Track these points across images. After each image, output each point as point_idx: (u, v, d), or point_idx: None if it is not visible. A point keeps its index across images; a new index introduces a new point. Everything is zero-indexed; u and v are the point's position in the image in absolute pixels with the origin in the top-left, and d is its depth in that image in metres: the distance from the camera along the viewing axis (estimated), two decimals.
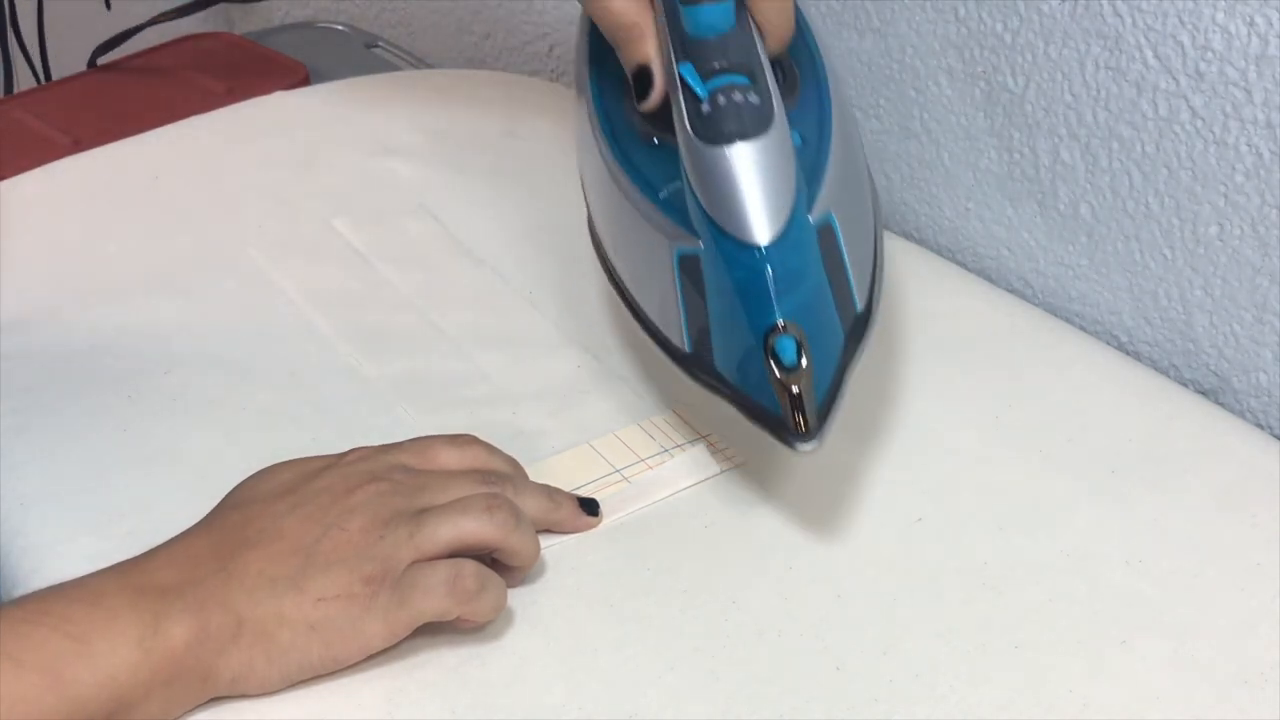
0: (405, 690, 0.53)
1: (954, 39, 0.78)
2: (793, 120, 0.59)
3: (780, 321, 0.53)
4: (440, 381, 0.70)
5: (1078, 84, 0.73)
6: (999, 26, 0.75)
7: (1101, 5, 0.70)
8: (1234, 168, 0.67)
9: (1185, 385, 0.73)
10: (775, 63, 0.60)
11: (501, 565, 0.56)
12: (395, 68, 1.13)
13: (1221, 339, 0.71)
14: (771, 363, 0.53)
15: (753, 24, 0.58)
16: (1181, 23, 0.67)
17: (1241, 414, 0.72)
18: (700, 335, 0.56)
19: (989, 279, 0.80)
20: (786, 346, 0.53)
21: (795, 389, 0.53)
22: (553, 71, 1.09)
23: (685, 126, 0.54)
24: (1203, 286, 0.71)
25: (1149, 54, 0.69)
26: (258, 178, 0.87)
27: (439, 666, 0.54)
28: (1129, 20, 0.69)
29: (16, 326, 0.73)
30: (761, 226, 0.53)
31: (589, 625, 0.56)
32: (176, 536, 0.54)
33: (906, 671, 0.54)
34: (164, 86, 1.07)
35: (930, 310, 0.75)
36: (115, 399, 0.68)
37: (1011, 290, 0.80)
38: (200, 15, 1.36)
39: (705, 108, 0.54)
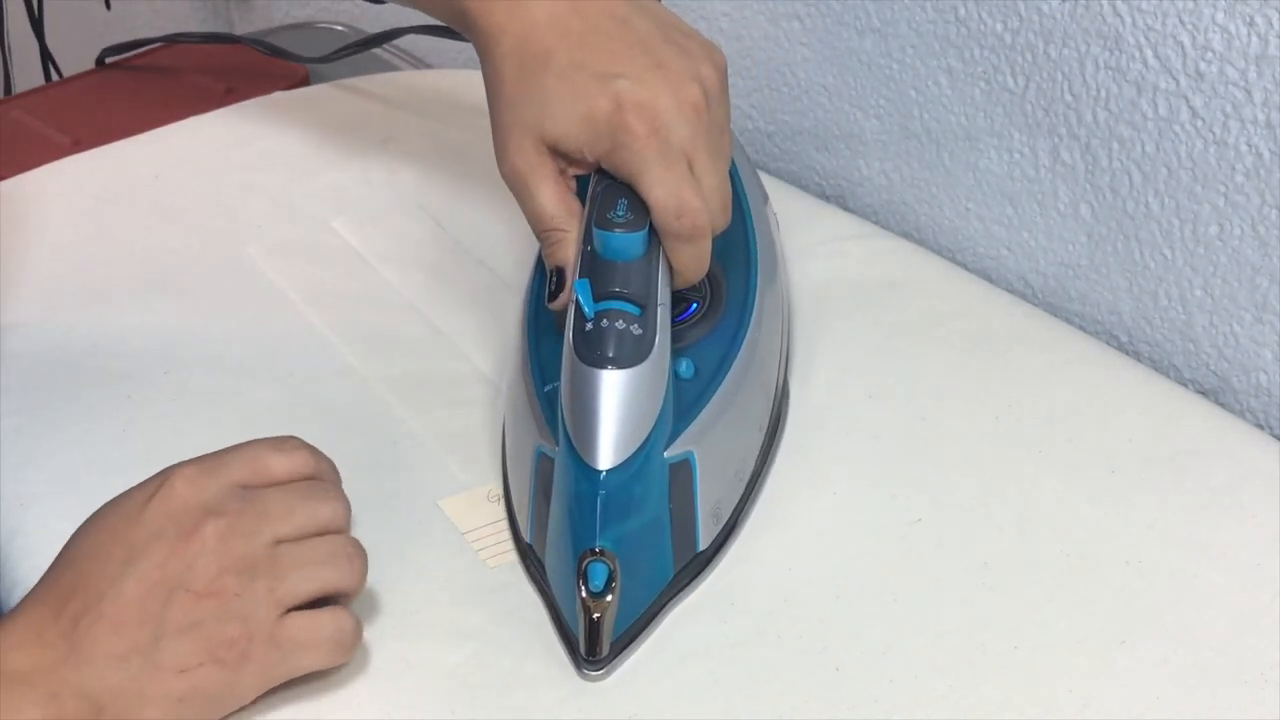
0: (404, 691, 0.53)
1: (954, 39, 0.78)
2: (697, 349, 0.60)
3: (598, 547, 0.54)
4: (440, 382, 0.70)
5: (1078, 84, 0.73)
6: (999, 26, 0.75)
7: (1101, 5, 0.70)
8: (1234, 168, 0.67)
9: (1185, 385, 0.73)
10: (706, 283, 0.62)
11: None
12: (395, 68, 1.13)
13: (1221, 339, 0.71)
14: (580, 585, 0.54)
15: (663, 258, 0.58)
16: (1181, 23, 0.67)
17: (1241, 414, 0.72)
18: (539, 533, 0.57)
19: (989, 279, 0.80)
20: (598, 573, 0.54)
21: (595, 615, 0.54)
22: None
23: (569, 338, 0.56)
24: (1203, 286, 0.71)
25: (1149, 54, 0.69)
26: (258, 178, 0.87)
27: (438, 667, 0.54)
28: (1129, 20, 0.69)
29: (16, 326, 0.73)
30: (605, 453, 0.54)
31: None
32: (23, 602, 0.50)
33: (906, 671, 0.54)
34: (164, 86, 1.07)
35: (930, 310, 0.75)
36: (115, 399, 0.68)
37: (1011, 290, 0.80)
38: (201, 16, 1.36)
39: (589, 326, 0.55)
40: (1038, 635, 0.55)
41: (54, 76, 1.29)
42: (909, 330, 0.73)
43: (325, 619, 0.51)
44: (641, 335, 0.55)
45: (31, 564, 0.59)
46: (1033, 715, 0.52)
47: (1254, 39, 0.64)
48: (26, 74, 1.30)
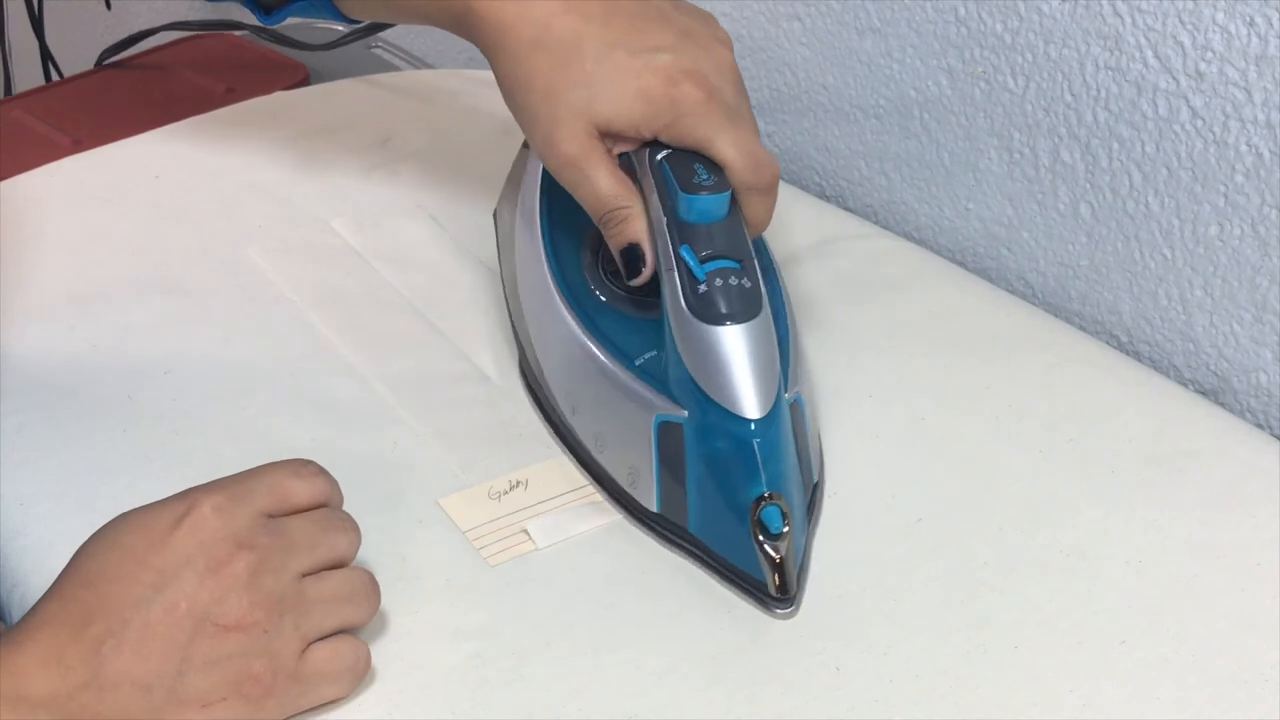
0: (405, 690, 0.53)
1: (954, 39, 0.78)
2: None
3: (766, 492, 0.56)
4: (440, 381, 0.70)
5: (1078, 84, 0.73)
6: (999, 26, 0.75)
7: (1101, 5, 0.70)
8: (1234, 168, 0.67)
9: (1185, 385, 0.73)
10: None
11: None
12: (395, 68, 1.13)
13: (1221, 339, 0.71)
14: (757, 530, 0.56)
15: (739, 212, 0.61)
16: (1181, 23, 0.67)
17: (1241, 414, 0.72)
18: (672, 498, 0.59)
19: (989, 279, 0.80)
20: (773, 515, 0.56)
21: (779, 556, 0.56)
22: None
23: (681, 305, 0.57)
24: (1203, 286, 0.71)
25: (1149, 54, 0.69)
26: (258, 178, 0.87)
27: (439, 667, 0.54)
28: (1129, 20, 0.69)
29: (17, 326, 0.73)
30: (753, 402, 0.56)
31: (589, 625, 0.56)
32: (35, 620, 0.48)
33: (906, 671, 0.54)
34: (164, 86, 1.08)
35: (930, 310, 0.75)
36: (115, 399, 0.68)
37: (1011, 290, 0.80)
38: (202, 15, 1.36)
39: (702, 289, 0.57)
40: (1038, 635, 0.55)
41: (54, 76, 1.29)
42: (909, 330, 0.73)
43: (345, 650, 0.52)
44: (750, 287, 0.58)
45: (31, 564, 0.59)
46: (1033, 715, 0.52)
47: (1254, 39, 0.64)
48: (26, 74, 1.30)
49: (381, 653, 0.54)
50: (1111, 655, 0.54)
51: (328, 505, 0.54)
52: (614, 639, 0.55)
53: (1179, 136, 0.69)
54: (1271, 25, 0.63)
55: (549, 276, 0.65)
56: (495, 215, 0.76)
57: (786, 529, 0.56)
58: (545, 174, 0.67)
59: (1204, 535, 0.60)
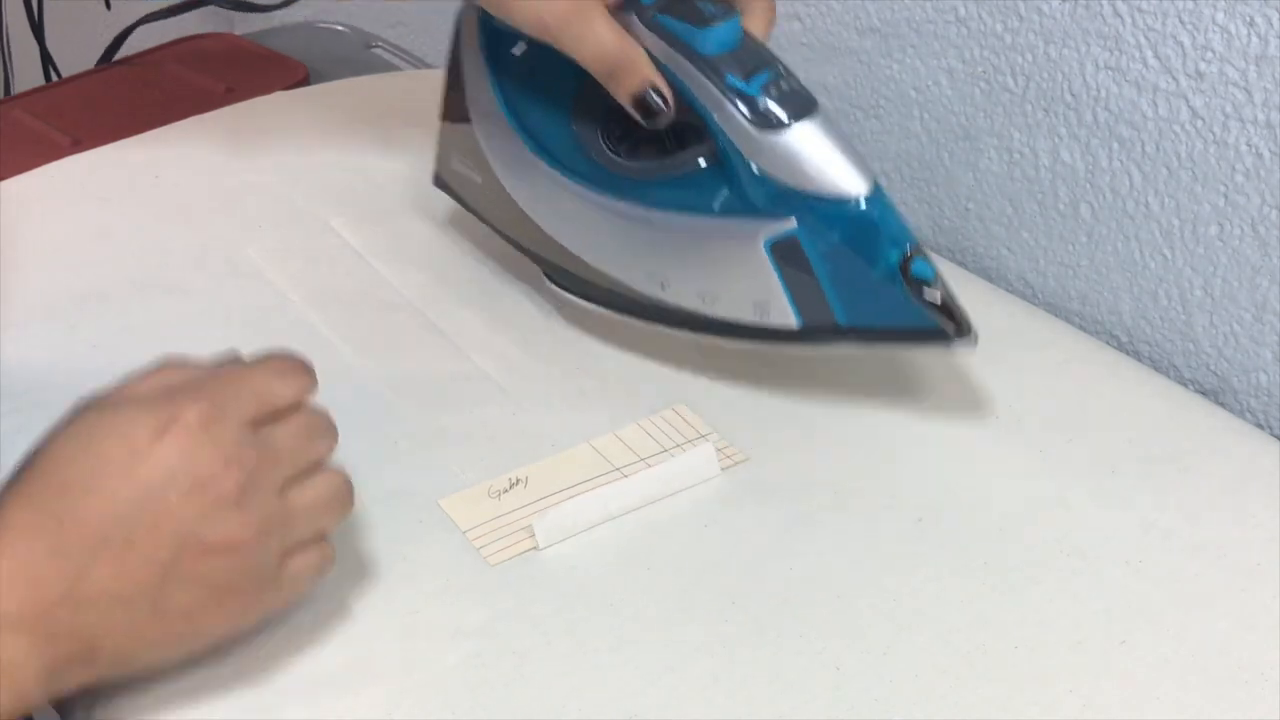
0: (405, 690, 0.53)
1: (954, 39, 0.78)
2: None
3: (908, 249, 0.59)
4: (440, 381, 0.70)
5: (1078, 84, 0.73)
6: (999, 26, 0.75)
7: (1101, 5, 0.70)
8: (1234, 168, 0.67)
9: (1185, 385, 0.73)
10: None
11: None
12: (395, 68, 1.13)
13: (1221, 339, 0.71)
14: (916, 285, 0.59)
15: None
16: (1181, 23, 0.67)
17: (1241, 414, 0.72)
18: (810, 305, 0.61)
19: (989, 279, 0.80)
20: (922, 265, 0.59)
21: (943, 296, 0.59)
22: None
23: (747, 128, 0.60)
24: (1203, 286, 0.71)
25: (1149, 54, 0.69)
26: (258, 178, 0.87)
27: (439, 666, 0.54)
28: (1129, 20, 0.69)
29: (16, 326, 0.73)
30: (858, 180, 0.59)
31: (589, 625, 0.56)
32: (4, 528, 0.46)
33: (906, 671, 0.54)
34: (164, 86, 1.08)
35: None
36: None
37: (1011, 290, 0.80)
38: (201, 14, 1.36)
39: (761, 104, 0.59)
40: (1038, 635, 0.55)
41: (54, 77, 1.29)
42: None
43: (313, 550, 0.52)
44: (798, 86, 0.61)
45: None
46: (1033, 715, 0.52)
47: (1254, 39, 0.64)
48: (26, 74, 1.30)
49: (380, 653, 0.54)
50: (1111, 655, 0.54)
51: (305, 406, 0.53)
52: (614, 639, 0.55)
53: (1179, 136, 0.69)
54: (1271, 25, 0.63)
55: (568, 180, 0.66)
56: (439, 179, 0.76)
57: (937, 269, 0.58)
58: (501, 89, 0.69)
59: (1204, 535, 0.60)
